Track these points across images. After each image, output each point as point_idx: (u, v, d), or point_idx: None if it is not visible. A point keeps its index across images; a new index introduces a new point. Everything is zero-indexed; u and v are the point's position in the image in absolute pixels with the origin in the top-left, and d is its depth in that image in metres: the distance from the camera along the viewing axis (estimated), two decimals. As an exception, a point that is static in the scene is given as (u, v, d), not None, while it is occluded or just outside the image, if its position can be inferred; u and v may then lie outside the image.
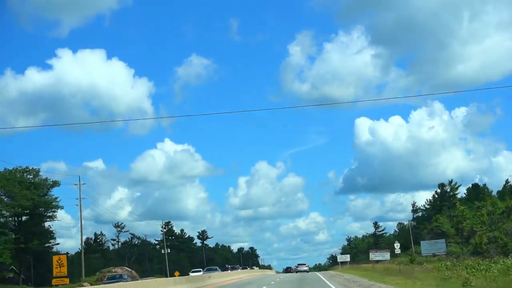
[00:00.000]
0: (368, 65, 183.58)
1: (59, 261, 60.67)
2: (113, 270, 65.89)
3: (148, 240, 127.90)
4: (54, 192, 77.09)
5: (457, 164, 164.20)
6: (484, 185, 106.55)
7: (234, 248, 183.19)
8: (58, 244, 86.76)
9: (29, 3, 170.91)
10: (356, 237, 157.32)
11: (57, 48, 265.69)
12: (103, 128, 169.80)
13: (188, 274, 60.10)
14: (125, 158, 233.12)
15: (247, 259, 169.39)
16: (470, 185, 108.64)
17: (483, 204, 79.09)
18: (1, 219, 70.11)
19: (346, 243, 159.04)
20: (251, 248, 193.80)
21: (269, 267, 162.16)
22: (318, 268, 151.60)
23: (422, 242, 78.34)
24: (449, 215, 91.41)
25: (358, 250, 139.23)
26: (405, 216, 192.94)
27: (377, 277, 41.00)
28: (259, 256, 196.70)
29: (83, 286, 53.56)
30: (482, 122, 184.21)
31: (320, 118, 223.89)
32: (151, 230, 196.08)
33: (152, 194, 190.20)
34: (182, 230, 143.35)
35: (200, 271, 68.75)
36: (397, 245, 65.21)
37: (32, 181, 74.66)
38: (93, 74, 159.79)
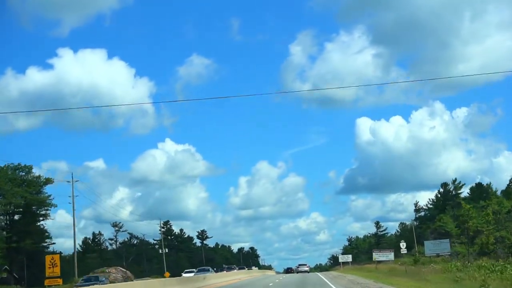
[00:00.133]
0: (369, 65, 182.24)
1: (52, 261, 57.95)
2: (107, 271, 63.59)
3: (147, 239, 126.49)
4: (52, 191, 76.03)
5: (458, 164, 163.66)
6: (488, 184, 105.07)
7: (235, 248, 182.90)
8: (54, 243, 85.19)
9: (29, 3, 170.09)
10: (357, 237, 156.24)
11: (58, 48, 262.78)
12: (103, 127, 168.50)
13: (181, 275, 57.31)
14: (126, 158, 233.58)
15: (248, 259, 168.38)
16: (474, 185, 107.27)
17: (488, 203, 77.37)
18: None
19: (347, 243, 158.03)
20: (252, 248, 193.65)
21: (269, 267, 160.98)
22: (319, 268, 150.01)
23: (426, 242, 76.42)
24: (453, 214, 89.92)
25: (359, 250, 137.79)
26: (406, 216, 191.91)
27: (383, 278, 39.13)
28: (259, 256, 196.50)
29: None
30: (483, 123, 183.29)
31: (321, 118, 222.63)
32: (152, 230, 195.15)
33: (153, 194, 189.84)
34: (181, 230, 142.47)
35: (193, 271, 64.99)
36: (403, 245, 63.61)
37: (24, 178, 72.74)
38: (94, 73, 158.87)
